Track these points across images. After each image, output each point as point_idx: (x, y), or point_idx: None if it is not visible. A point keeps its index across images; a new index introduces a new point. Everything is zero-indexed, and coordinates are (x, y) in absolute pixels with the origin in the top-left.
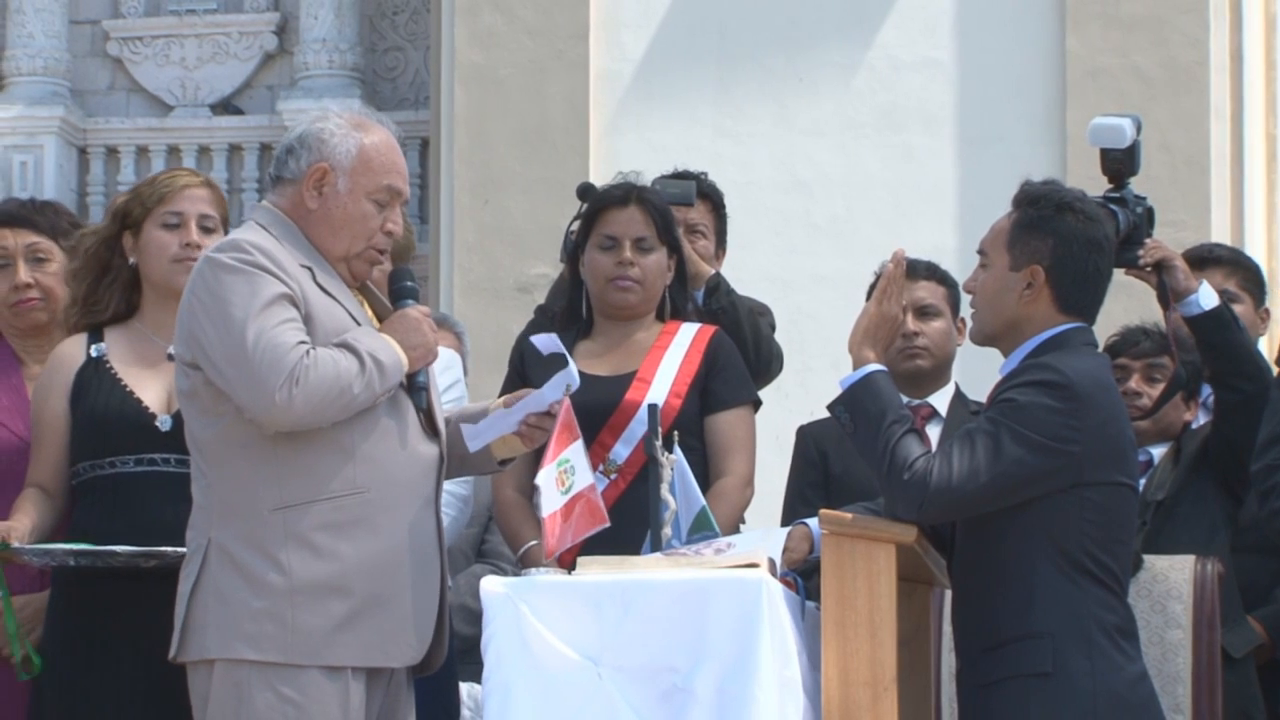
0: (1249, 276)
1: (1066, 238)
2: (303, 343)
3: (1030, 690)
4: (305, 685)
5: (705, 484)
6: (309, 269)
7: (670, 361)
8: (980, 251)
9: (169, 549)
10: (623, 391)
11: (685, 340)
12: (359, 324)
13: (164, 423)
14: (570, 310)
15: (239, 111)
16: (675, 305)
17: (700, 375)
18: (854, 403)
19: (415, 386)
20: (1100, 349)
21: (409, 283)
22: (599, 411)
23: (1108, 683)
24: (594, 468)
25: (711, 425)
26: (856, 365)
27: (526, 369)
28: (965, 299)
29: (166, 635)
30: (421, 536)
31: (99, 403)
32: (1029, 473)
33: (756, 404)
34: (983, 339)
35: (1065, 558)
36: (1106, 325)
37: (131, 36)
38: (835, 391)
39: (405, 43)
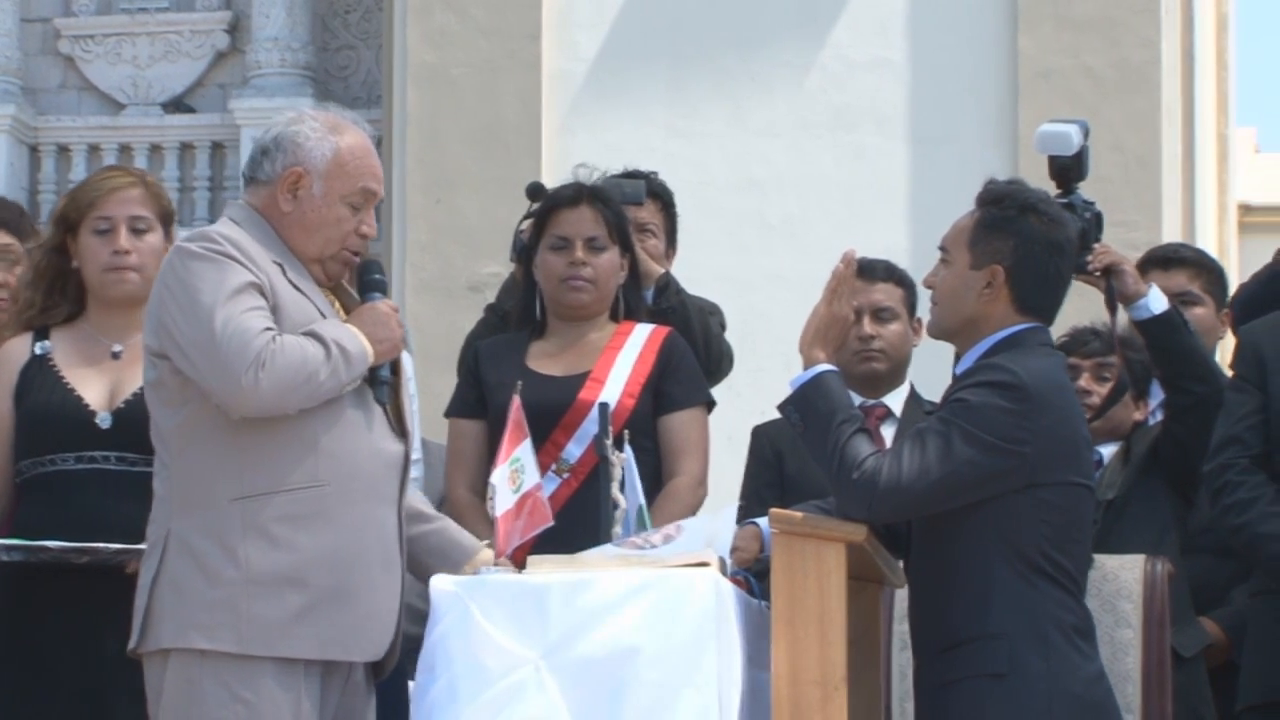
0: (1213, 279)
1: (1028, 238)
2: (269, 329)
3: (986, 691)
4: (258, 684)
5: (659, 484)
6: (280, 265)
7: (624, 362)
8: (942, 248)
9: (102, 545)
10: (576, 391)
11: (639, 340)
12: (325, 318)
13: (104, 420)
14: (524, 311)
15: (191, 110)
16: (629, 305)
17: (654, 376)
18: (804, 402)
19: (377, 380)
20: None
21: (377, 275)
22: (552, 411)
23: (1063, 683)
24: (547, 467)
25: (665, 426)
26: (807, 365)
27: (480, 370)
28: (922, 299)
29: (106, 633)
30: (383, 534)
31: (39, 400)
32: (980, 473)
33: (710, 405)
34: (940, 334)
35: (1020, 558)
36: (1058, 325)
37: (83, 35)
38: (788, 391)
39: (358, 41)
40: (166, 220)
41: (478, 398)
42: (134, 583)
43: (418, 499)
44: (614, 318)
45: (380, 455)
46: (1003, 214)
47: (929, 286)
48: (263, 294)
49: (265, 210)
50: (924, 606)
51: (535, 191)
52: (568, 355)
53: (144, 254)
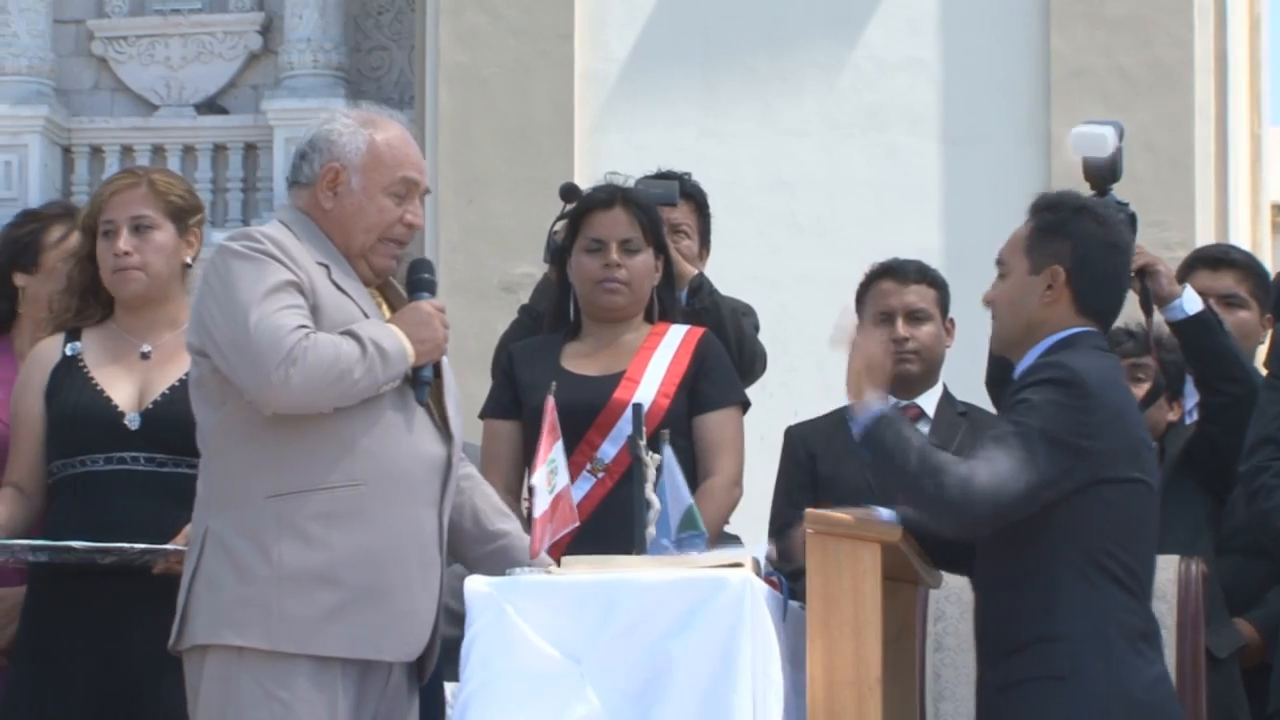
0: (1260, 283)
1: (1086, 239)
2: (303, 326)
3: (1048, 693)
4: (293, 682)
5: (693, 484)
6: (325, 265)
7: (659, 362)
8: (999, 262)
9: (127, 545)
10: (611, 391)
11: (674, 341)
12: (368, 318)
13: (132, 421)
14: (558, 312)
15: (223, 111)
16: (663, 306)
17: (689, 376)
18: (871, 441)
19: (419, 380)
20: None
21: (426, 275)
22: (587, 411)
23: (1124, 686)
24: (581, 467)
25: (700, 426)
26: (862, 411)
27: (515, 371)
28: (954, 300)
29: (132, 635)
30: (421, 535)
31: (69, 401)
32: (1052, 472)
33: (745, 405)
34: (1002, 346)
35: (1084, 558)
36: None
37: (116, 36)
38: (821, 391)
39: (390, 42)
40: (179, 216)
41: (512, 399)
42: (161, 583)
43: (494, 502)
44: (649, 319)
45: (422, 457)
46: (1058, 217)
47: (988, 303)
48: (301, 292)
49: (310, 211)
50: (989, 610)
51: (569, 192)
52: (603, 356)
53: (147, 252)
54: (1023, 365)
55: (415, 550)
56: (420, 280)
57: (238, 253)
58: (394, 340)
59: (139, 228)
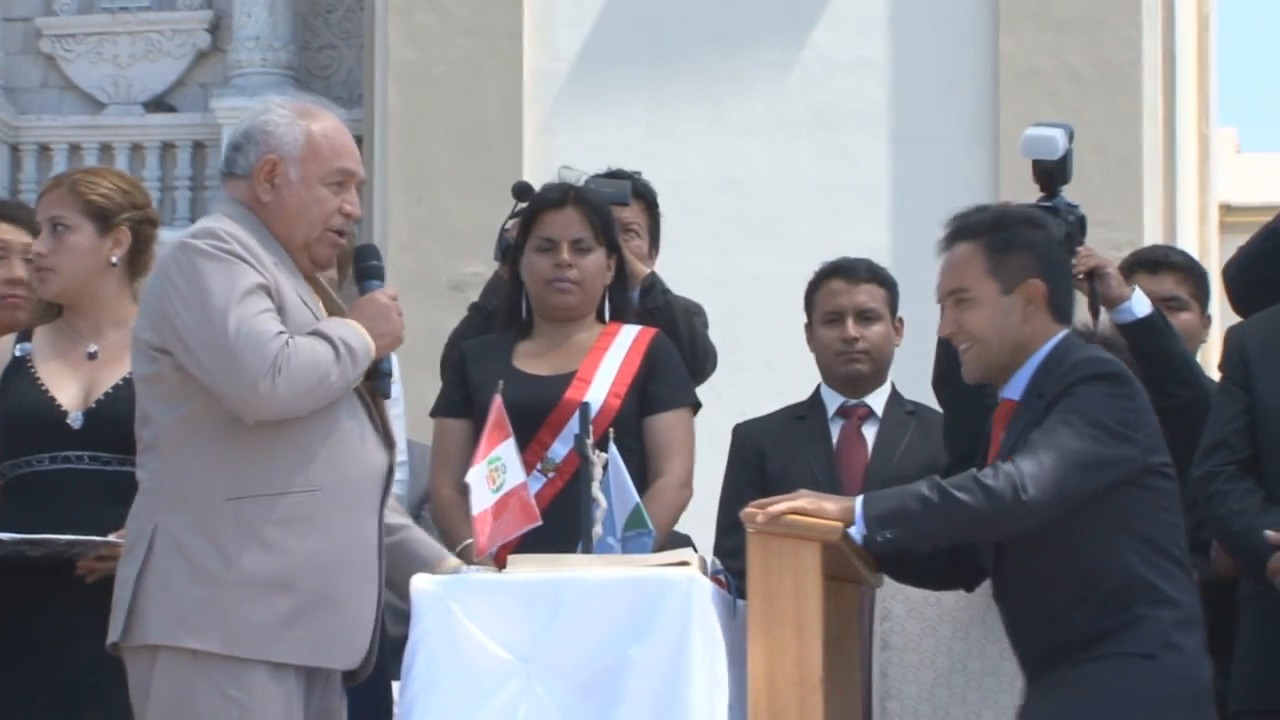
0: (1199, 284)
1: (1043, 246)
2: (281, 332)
3: (1138, 669)
4: (250, 684)
5: (644, 485)
6: (277, 263)
7: (610, 362)
8: (955, 290)
9: (53, 536)
10: (562, 391)
11: (626, 341)
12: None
13: (75, 420)
14: (510, 311)
15: (172, 109)
16: (615, 306)
17: (640, 377)
18: (881, 522)
19: (380, 373)
20: None
21: (374, 262)
22: (538, 410)
23: (1200, 671)
24: (532, 466)
25: (650, 427)
26: (843, 521)
27: (467, 370)
28: (904, 299)
29: (73, 634)
30: (365, 543)
31: (14, 402)
32: (1107, 460)
33: (696, 406)
34: (989, 373)
35: (1150, 546)
36: None
37: (64, 34)
38: (769, 390)
39: (339, 41)
40: (100, 215)
41: (464, 397)
42: (99, 584)
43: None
44: (601, 318)
45: (368, 465)
46: (1009, 233)
47: (950, 337)
48: (270, 295)
49: (249, 204)
50: (1036, 611)
51: (522, 191)
52: (554, 355)
53: (61, 253)
54: (1014, 387)
55: (360, 558)
56: (370, 268)
57: (205, 252)
58: (359, 338)
59: (56, 228)
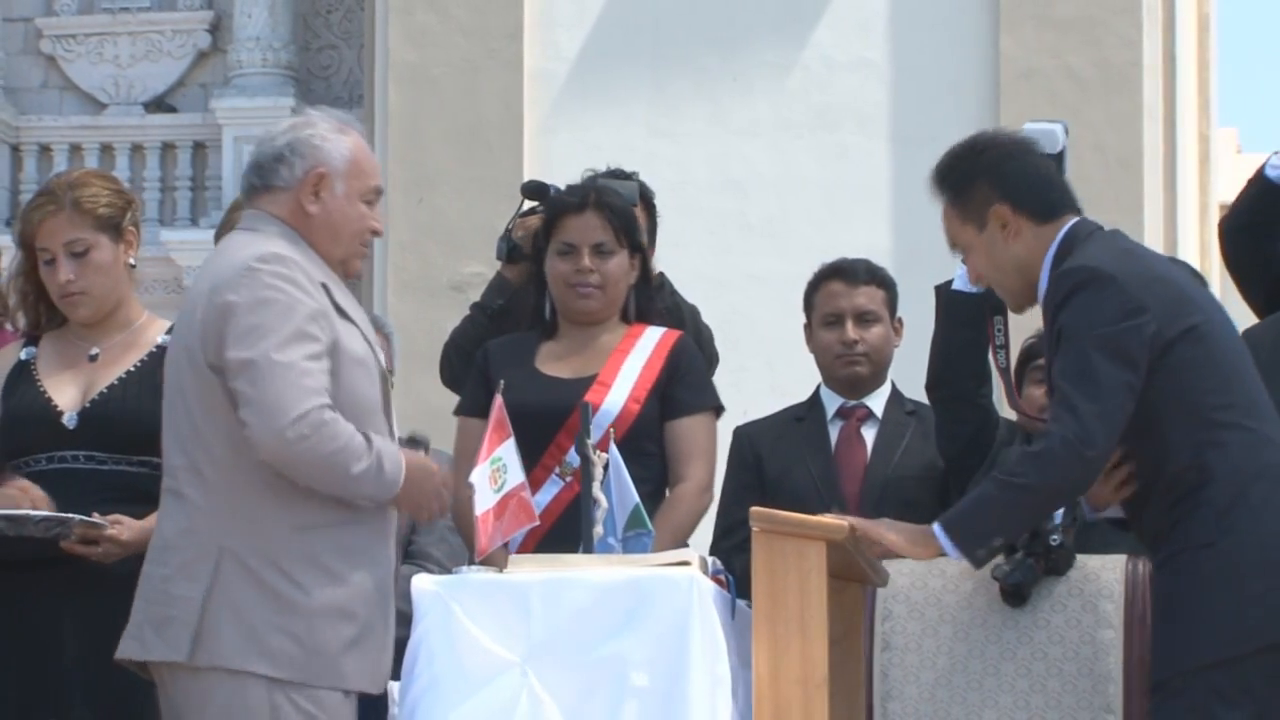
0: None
1: (991, 168)
2: (327, 401)
3: (1196, 563)
4: (323, 700)
5: (664, 490)
6: (325, 286)
7: (631, 366)
8: (953, 247)
9: (31, 512)
10: (581, 394)
11: (649, 345)
12: (367, 339)
13: (70, 420)
14: (534, 312)
15: (172, 109)
16: (640, 306)
17: (661, 380)
18: (981, 535)
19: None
20: (1018, 354)
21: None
22: (556, 414)
23: (1267, 549)
24: (550, 470)
25: (671, 431)
26: (943, 549)
27: (490, 370)
28: (904, 299)
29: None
30: (391, 569)
31: (14, 405)
32: (1130, 359)
33: (718, 410)
34: (1019, 302)
35: (1198, 421)
36: (1028, 328)
37: (65, 34)
38: (769, 390)
39: (339, 41)
40: (111, 226)
41: (485, 397)
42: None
43: None
44: (626, 319)
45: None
46: (958, 171)
47: (976, 281)
48: (323, 328)
49: (290, 217)
50: (1129, 509)
51: (535, 191)
52: (577, 358)
53: (89, 274)
54: (1043, 286)
55: (390, 583)
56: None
57: (266, 280)
58: (395, 468)
59: (75, 253)
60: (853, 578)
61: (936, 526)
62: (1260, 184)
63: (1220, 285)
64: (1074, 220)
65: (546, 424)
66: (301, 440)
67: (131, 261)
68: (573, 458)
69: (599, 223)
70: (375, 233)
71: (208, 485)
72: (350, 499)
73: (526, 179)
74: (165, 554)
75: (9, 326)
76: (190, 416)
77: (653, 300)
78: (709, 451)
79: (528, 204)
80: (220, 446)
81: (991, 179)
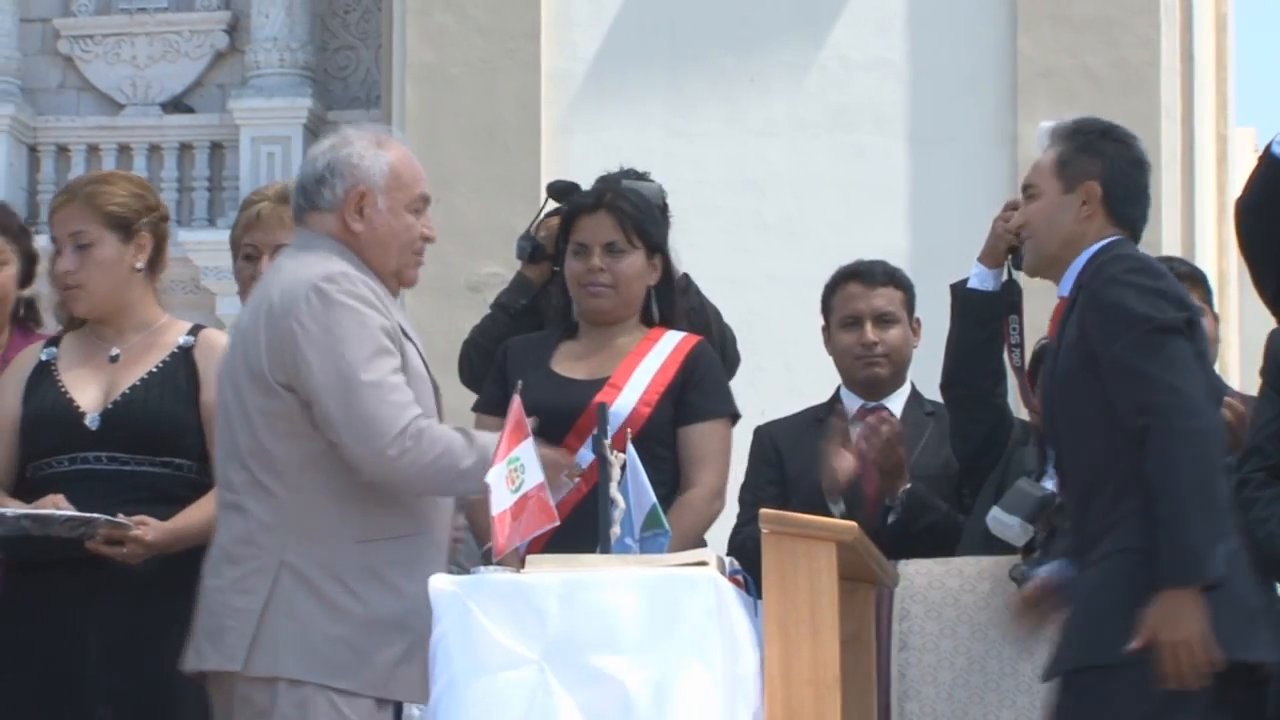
0: (1206, 292)
1: (1114, 156)
2: (419, 414)
3: (1130, 564)
4: (372, 711)
5: (674, 496)
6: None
7: (645, 369)
8: (1026, 186)
9: (55, 511)
10: (593, 395)
11: (665, 348)
12: (422, 356)
13: (92, 421)
14: (559, 312)
15: (190, 110)
16: (662, 309)
17: (675, 385)
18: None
19: None
20: (1031, 354)
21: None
22: (567, 414)
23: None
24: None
25: (684, 436)
26: (1196, 606)
27: (507, 368)
28: (921, 299)
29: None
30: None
31: (35, 405)
32: (1177, 326)
33: (734, 417)
34: (1039, 265)
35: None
36: (1040, 327)
37: (82, 35)
38: (787, 391)
39: (356, 41)
40: (121, 224)
41: (503, 394)
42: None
43: None
44: (648, 321)
45: (447, 505)
46: (1085, 139)
47: (1014, 228)
48: (395, 344)
49: (340, 237)
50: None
51: (561, 191)
52: (593, 359)
53: (87, 269)
54: (1065, 284)
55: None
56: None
57: (335, 299)
58: (485, 458)
59: (79, 245)
60: (863, 579)
61: (1175, 591)
62: (1268, 163)
63: (1238, 282)
64: (1122, 238)
65: (557, 424)
66: (404, 455)
67: (139, 266)
68: (581, 458)
69: (610, 222)
70: (427, 239)
71: (273, 500)
72: (467, 495)
73: (548, 179)
74: (224, 567)
75: (39, 330)
76: (254, 433)
77: (675, 302)
78: (721, 458)
79: (552, 204)
80: (288, 463)
81: (1105, 161)
